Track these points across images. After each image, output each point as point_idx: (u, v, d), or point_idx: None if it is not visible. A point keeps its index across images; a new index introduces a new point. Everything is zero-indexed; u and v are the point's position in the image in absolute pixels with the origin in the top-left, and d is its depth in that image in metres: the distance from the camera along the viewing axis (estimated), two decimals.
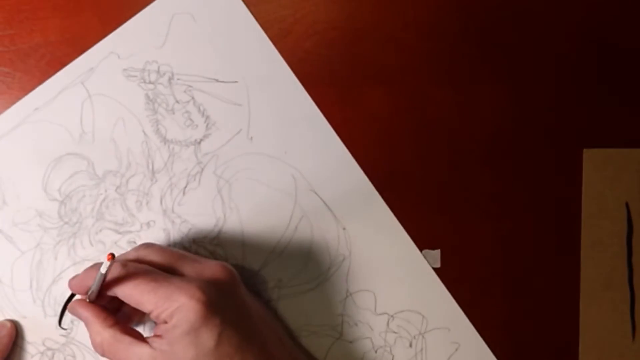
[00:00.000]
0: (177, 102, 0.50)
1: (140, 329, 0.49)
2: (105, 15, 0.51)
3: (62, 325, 0.50)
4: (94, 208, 0.50)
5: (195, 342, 0.42)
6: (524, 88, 0.52)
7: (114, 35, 0.50)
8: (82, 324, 0.50)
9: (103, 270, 0.41)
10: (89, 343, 0.49)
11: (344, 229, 0.51)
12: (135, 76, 0.50)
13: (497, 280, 0.51)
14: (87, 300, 0.45)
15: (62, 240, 0.50)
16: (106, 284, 0.44)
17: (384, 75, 0.51)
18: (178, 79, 0.50)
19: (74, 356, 0.50)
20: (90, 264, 0.49)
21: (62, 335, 0.50)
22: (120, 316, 0.48)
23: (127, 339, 0.44)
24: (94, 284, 0.44)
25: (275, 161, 0.50)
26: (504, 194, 0.52)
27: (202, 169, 0.50)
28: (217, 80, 0.50)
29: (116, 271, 0.43)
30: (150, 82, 0.50)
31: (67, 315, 0.50)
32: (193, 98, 0.50)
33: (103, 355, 0.45)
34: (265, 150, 0.50)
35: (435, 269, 0.51)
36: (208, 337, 0.42)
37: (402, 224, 0.51)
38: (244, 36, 0.51)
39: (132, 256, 0.46)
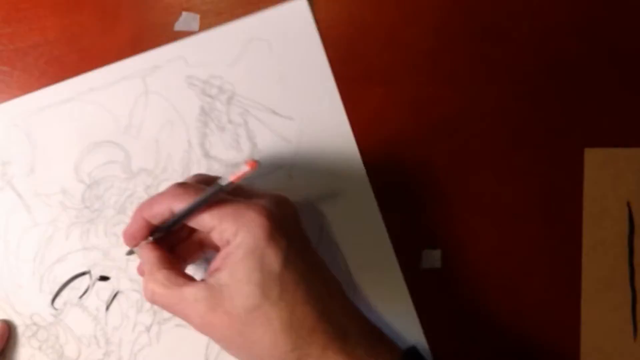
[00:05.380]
0: (230, 122, 0.50)
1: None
2: (104, 15, 0.50)
3: (55, 305, 0.49)
4: (118, 200, 0.50)
5: (261, 264, 0.39)
6: (525, 88, 0.52)
7: (187, 41, 0.50)
8: (74, 308, 0.50)
9: (231, 178, 0.38)
10: (76, 328, 0.50)
11: None
12: (196, 86, 0.50)
13: (497, 280, 0.51)
14: (155, 236, 0.43)
15: (77, 223, 0.50)
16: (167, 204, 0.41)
17: (384, 75, 0.51)
18: (237, 100, 0.50)
19: (57, 337, 0.49)
20: (99, 252, 0.49)
21: (52, 315, 0.49)
22: (174, 259, 0.44)
23: (180, 280, 0.41)
24: (196, 200, 0.40)
25: (308, 206, 0.50)
26: (505, 194, 0.51)
27: None
28: (274, 112, 0.50)
29: (177, 190, 0.41)
30: (209, 96, 0.50)
31: (61, 297, 0.50)
32: (246, 122, 0.50)
33: (152, 301, 0.42)
34: (301, 192, 0.50)
35: (435, 269, 0.51)
36: (274, 260, 0.39)
37: (402, 224, 0.50)
38: (314, 77, 0.50)
39: (192, 179, 0.44)
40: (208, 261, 0.47)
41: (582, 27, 0.52)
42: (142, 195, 0.50)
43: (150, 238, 0.43)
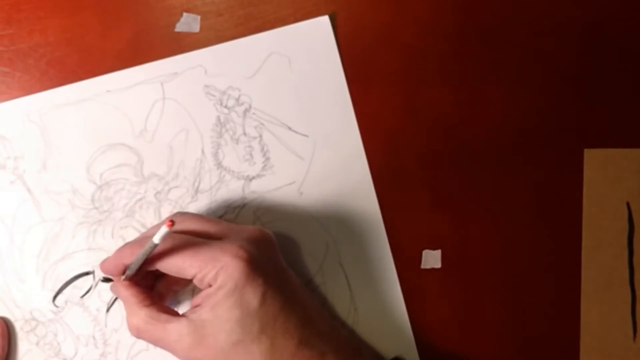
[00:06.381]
0: (245, 134, 0.50)
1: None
2: (104, 16, 0.50)
3: (56, 302, 0.49)
4: (127, 204, 0.50)
5: (240, 302, 0.41)
6: (524, 88, 0.51)
7: (207, 51, 0.50)
8: (74, 307, 0.50)
9: (157, 240, 0.40)
10: (75, 327, 0.50)
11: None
12: (214, 96, 0.50)
13: (497, 280, 0.51)
14: (124, 278, 0.45)
15: (85, 223, 0.50)
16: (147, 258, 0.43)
17: (384, 75, 0.51)
18: (253, 113, 0.50)
19: (56, 334, 0.49)
20: (104, 254, 0.49)
21: (52, 312, 0.49)
22: (154, 295, 0.46)
23: (163, 317, 0.43)
24: (139, 255, 0.42)
25: (315, 223, 0.50)
26: (505, 194, 0.51)
27: (244, 205, 0.50)
28: (289, 128, 0.50)
29: (128, 246, 0.43)
30: (226, 107, 0.50)
31: (64, 294, 0.50)
32: (261, 136, 0.50)
33: (138, 336, 0.44)
34: (310, 209, 0.50)
35: (435, 269, 0.51)
36: (252, 297, 0.41)
37: (403, 224, 0.51)
38: (331, 96, 0.50)
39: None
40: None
41: (582, 28, 0.52)
42: (152, 200, 0.50)
43: (123, 277, 0.45)
